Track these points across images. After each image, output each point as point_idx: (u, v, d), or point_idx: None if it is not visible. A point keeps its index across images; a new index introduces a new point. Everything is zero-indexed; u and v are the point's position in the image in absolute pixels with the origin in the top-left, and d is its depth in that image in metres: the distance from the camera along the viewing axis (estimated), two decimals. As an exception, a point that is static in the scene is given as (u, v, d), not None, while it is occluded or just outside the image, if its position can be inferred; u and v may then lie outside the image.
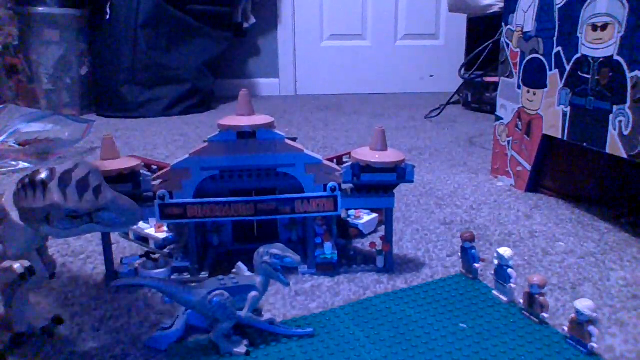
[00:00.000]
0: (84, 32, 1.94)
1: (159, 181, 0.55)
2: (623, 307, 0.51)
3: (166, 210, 0.55)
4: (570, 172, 0.86)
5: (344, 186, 0.58)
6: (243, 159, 0.55)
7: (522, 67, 0.88)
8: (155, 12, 1.85)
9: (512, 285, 0.50)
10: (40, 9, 1.81)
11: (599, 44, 0.68)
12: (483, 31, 1.76)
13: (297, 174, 0.56)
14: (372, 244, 0.60)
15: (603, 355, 0.43)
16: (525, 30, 0.87)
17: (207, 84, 2.09)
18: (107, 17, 1.86)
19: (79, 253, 0.65)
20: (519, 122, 0.90)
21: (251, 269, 0.47)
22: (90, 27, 1.94)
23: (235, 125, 0.53)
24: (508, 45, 0.92)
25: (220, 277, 0.44)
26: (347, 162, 0.60)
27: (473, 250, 0.56)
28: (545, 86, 0.82)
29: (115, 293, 0.55)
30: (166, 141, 1.42)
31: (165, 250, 0.64)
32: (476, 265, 0.55)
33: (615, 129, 0.66)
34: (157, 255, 0.61)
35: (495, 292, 0.52)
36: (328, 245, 0.59)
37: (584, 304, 0.42)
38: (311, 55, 2.57)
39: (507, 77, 0.93)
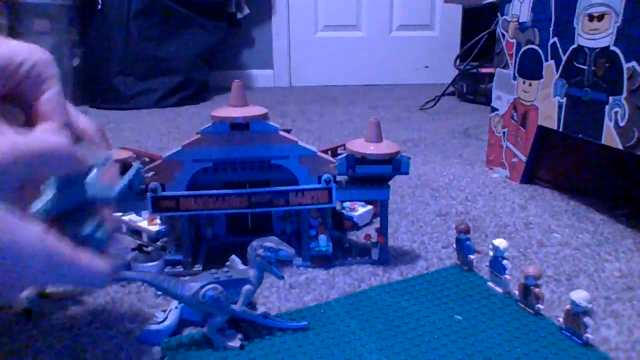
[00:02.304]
0: (75, 23, 1.91)
1: (151, 173, 0.54)
2: (618, 298, 0.51)
3: (159, 203, 0.54)
4: (565, 163, 0.86)
5: (338, 178, 0.57)
6: (236, 150, 0.55)
7: (518, 58, 0.88)
8: (147, 2, 1.83)
9: (507, 277, 0.50)
10: (30, -2, 1.78)
11: (596, 35, 0.68)
12: (478, 22, 1.75)
13: (292, 165, 0.56)
14: (367, 236, 0.60)
15: (598, 346, 0.43)
16: (521, 20, 0.86)
17: (201, 75, 2.07)
18: (99, 7, 1.84)
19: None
20: (515, 113, 0.90)
21: (245, 262, 0.46)
22: (82, 17, 1.92)
23: (228, 117, 0.53)
24: (504, 36, 0.92)
25: (214, 270, 0.44)
26: (341, 153, 0.59)
27: (468, 242, 0.56)
28: (541, 77, 0.81)
29: (107, 286, 0.54)
30: (159, 133, 1.41)
31: (158, 243, 0.63)
32: (471, 256, 0.55)
33: (611, 120, 0.66)
34: (149, 248, 0.60)
35: (490, 284, 0.52)
36: (323, 238, 0.58)
37: (579, 295, 0.42)
38: (306, 46, 2.56)
39: (503, 68, 0.93)
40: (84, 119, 0.36)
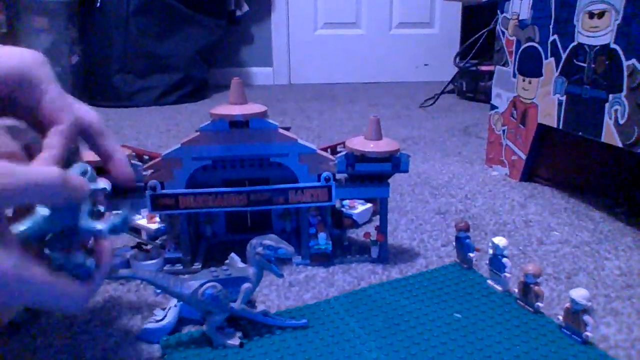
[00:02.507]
0: (74, 20, 1.90)
1: (150, 171, 0.54)
2: (617, 296, 0.51)
3: (158, 201, 0.54)
4: (565, 161, 0.86)
5: (338, 176, 0.57)
6: (236, 148, 0.55)
7: (518, 56, 0.87)
8: (146, 0, 1.83)
9: (507, 275, 0.50)
10: (28, -5, 1.77)
11: (596, 32, 0.68)
12: (478, 19, 1.75)
13: (291, 163, 0.55)
14: (367, 234, 0.60)
15: (597, 344, 0.43)
16: (521, 18, 0.86)
17: (200, 73, 2.06)
18: (98, 4, 1.83)
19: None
20: (514, 111, 0.90)
21: (244, 260, 0.46)
22: (81, 14, 1.91)
23: (227, 114, 0.53)
24: (503, 33, 0.92)
25: (213, 268, 0.44)
26: (341, 151, 0.59)
27: (468, 240, 0.56)
28: (541, 75, 0.81)
29: (107, 284, 0.54)
30: (159, 131, 1.41)
31: (158, 242, 0.63)
32: (471, 254, 0.55)
33: (610, 118, 0.66)
34: (149, 247, 0.60)
35: (490, 282, 0.52)
36: (322, 236, 0.58)
37: (579, 293, 0.42)
38: (305, 44, 2.55)
39: (503, 65, 0.93)
40: (89, 111, 0.35)
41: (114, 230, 0.32)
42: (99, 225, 0.32)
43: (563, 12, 0.75)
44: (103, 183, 0.33)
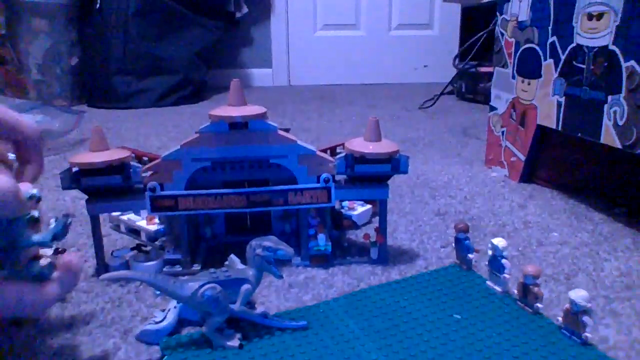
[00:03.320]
0: (73, 22, 1.91)
1: (149, 173, 0.54)
2: (617, 297, 0.51)
3: (157, 202, 0.54)
4: (564, 162, 0.86)
5: (337, 177, 0.57)
6: (235, 150, 0.55)
7: (517, 57, 0.88)
8: (146, 1, 1.83)
9: (506, 276, 0.50)
10: (28, -3, 1.78)
11: (595, 33, 0.68)
12: (477, 21, 1.75)
13: (290, 165, 0.55)
14: (366, 236, 0.60)
15: (597, 345, 0.43)
16: (520, 19, 0.86)
17: (200, 74, 2.07)
18: (97, 5, 1.83)
19: (69, 245, 0.64)
20: (513, 113, 0.90)
21: (244, 261, 0.46)
22: (80, 16, 1.91)
23: (226, 116, 0.53)
24: (502, 35, 0.92)
25: (213, 270, 0.44)
26: (340, 153, 0.59)
27: (467, 241, 0.56)
28: (540, 76, 0.81)
29: (106, 286, 0.54)
30: (158, 132, 1.41)
31: (157, 243, 0.63)
32: (470, 256, 0.55)
33: (609, 119, 0.66)
34: (148, 248, 0.60)
35: (489, 283, 0.52)
36: (322, 237, 0.58)
37: (578, 295, 0.42)
38: (305, 45, 2.56)
39: (502, 67, 0.93)
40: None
41: (56, 238, 0.33)
42: (41, 237, 0.32)
43: (562, 13, 0.75)
44: (31, 190, 0.33)
